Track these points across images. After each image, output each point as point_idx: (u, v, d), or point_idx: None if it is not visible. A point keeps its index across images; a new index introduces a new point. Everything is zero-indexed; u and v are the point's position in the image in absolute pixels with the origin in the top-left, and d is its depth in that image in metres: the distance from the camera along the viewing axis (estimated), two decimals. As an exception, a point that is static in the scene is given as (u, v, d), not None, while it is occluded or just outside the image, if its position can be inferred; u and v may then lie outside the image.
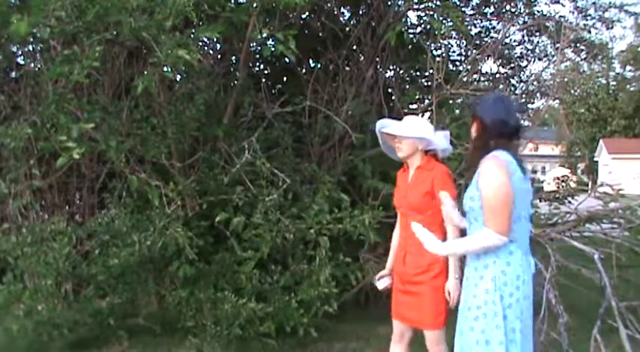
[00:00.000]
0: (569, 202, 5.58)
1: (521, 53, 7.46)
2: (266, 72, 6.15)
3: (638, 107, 35.90)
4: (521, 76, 7.58)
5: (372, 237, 4.42)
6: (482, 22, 6.88)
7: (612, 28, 7.67)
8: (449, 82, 4.95)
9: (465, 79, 5.06)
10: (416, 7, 5.88)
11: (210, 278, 4.45)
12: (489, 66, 11.02)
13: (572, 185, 7.26)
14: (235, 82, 5.24)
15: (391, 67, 6.18)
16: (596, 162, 36.15)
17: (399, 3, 5.79)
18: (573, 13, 7.14)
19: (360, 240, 4.62)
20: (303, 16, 5.58)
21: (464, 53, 6.80)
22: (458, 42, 6.82)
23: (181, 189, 4.37)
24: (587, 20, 7.22)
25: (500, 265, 2.50)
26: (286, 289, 4.43)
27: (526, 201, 2.56)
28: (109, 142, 4.07)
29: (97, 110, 4.38)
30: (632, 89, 36.65)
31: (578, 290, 4.56)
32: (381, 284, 3.40)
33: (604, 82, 37.19)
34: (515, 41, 7.28)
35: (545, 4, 6.99)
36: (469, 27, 6.42)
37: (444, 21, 5.54)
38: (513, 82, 7.52)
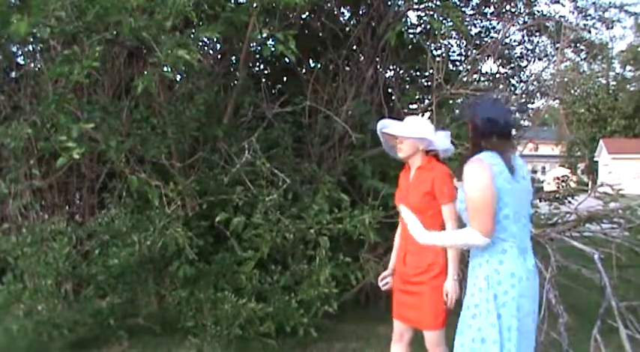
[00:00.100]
0: (569, 202, 5.58)
1: (521, 53, 7.47)
2: (266, 72, 6.15)
3: (638, 107, 35.90)
4: (521, 76, 7.59)
5: (372, 237, 4.42)
6: (482, 22, 6.88)
7: (612, 28, 7.69)
8: (449, 82, 4.95)
9: (465, 79, 5.06)
10: (416, 7, 5.87)
11: (210, 278, 4.44)
12: (489, 66, 11.03)
13: (572, 185, 7.26)
14: (235, 82, 5.23)
15: (391, 67, 6.18)
16: (596, 162, 36.16)
17: (399, 3, 5.78)
18: (573, 13, 7.15)
19: (360, 240, 4.61)
20: (303, 16, 5.58)
21: (464, 53, 6.80)
22: (458, 42, 6.83)
23: (181, 189, 4.37)
24: (587, 20, 7.24)
25: (493, 264, 2.52)
26: (286, 289, 4.43)
27: (521, 201, 2.56)
28: (109, 142, 4.07)
29: (97, 110, 4.39)
30: (632, 89, 36.67)
31: (578, 290, 4.56)
32: (384, 284, 3.40)
33: (604, 82, 37.21)
34: (515, 41, 7.30)
35: (545, 4, 7.00)
36: (469, 27, 6.42)
37: (444, 21, 5.54)
38: (513, 82, 7.53)
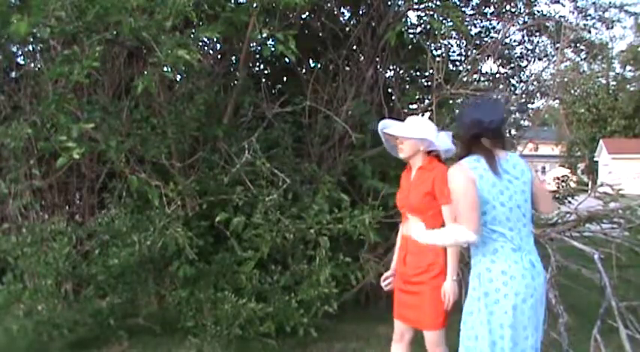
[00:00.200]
0: (569, 202, 5.59)
1: (521, 53, 7.47)
2: (266, 72, 6.15)
3: (638, 107, 35.89)
4: (521, 76, 7.60)
5: (372, 237, 4.42)
6: (482, 22, 6.88)
7: (612, 28, 7.69)
8: (449, 82, 4.95)
9: (465, 79, 5.06)
10: (416, 7, 5.87)
11: (210, 278, 4.44)
12: (489, 66, 11.03)
13: (572, 185, 7.26)
14: (235, 82, 5.23)
15: (391, 67, 6.18)
16: (596, 162, 36.15)
17: (399, 3, 5.78)
18: (573, 13, 7.15)
19: (360, 240, 4.61)
20: (303, 16, 5.58)
21: (464, 53, 6.80)
22: (458, 42, 6.83)
23: (181, 189, 4.37)
24: (587, 20, 7.24)
25: (485, 263, 2.59)
26: (286, 289, 4.43)
27: (513, 200, 2.57)
28: (109, 142, 4.07)
29: (97, 110, 4.39)
30: (632, 89, 36.66)
31: (578, 290, 4.56)
32: (386, 285, 3.40)
33: (604, 82, 37.20)
34: (515, 41, 7.30)
35: (545, 4, 7.01)
36: (469, 27, 6.41)
37: (444, 21, 5.53)
38: (513, 82, 7.54)
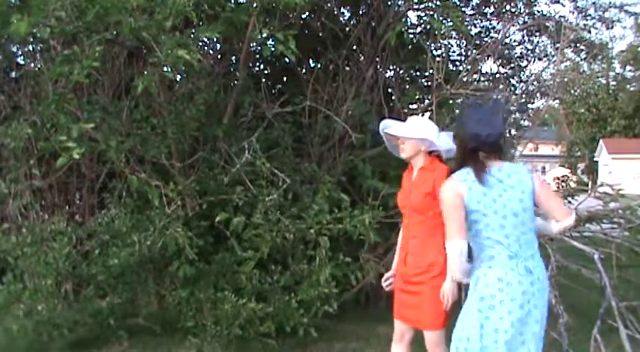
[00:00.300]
0: (569, 202, 5.58)
1: (521, 53, 7.47)
2: (266, 72, 6.14)
3: (638, 107, 35.90)
4: (521, 76, 7.59)
5: (372, 237, 4.42)
6: (482, 22, 6.87)
7: (612, 28, 7.70)
8: (449, 82, 4.95)
9: (465, 79, 5.06)
10: (416, 7, 5.87)
11: (210, 278, 4.44)
12: (489, 66, 11.01)
13: (572, 185, 7.27)
14: (235, 82, 5.23)
15: (391, 67, 6.18)
16: (596, 162, 36.15)
17: (399, 3, 5.78)
18: (573, 13, 7.16)
19: (360, 240, 4.62)
20: (303, 16, 5.58)
21: (464, 53, 6.80)
22: (458, 42, 6.82)
23: (181, 189, 4.37)
24: (587, 20, 7.24)
25: (482, 268, 2.62)
26: (286, 289, 4.43)
27: (508, 208, 2.58)
28: (109, 142, 4.07)
29: (97, 110, 4.38)
30: (632, 89, 36.66)
31: (578, 290, 4.56)
32: (387, 285, 3.40)
33: (604, 82, 37.20)
34: (515, 41, 7.29)
35: (545, 4, 7.01)
36: (469, 27, 6.41)
37: (444, 21, 5.53)
38: (513, 82, 7.53)
